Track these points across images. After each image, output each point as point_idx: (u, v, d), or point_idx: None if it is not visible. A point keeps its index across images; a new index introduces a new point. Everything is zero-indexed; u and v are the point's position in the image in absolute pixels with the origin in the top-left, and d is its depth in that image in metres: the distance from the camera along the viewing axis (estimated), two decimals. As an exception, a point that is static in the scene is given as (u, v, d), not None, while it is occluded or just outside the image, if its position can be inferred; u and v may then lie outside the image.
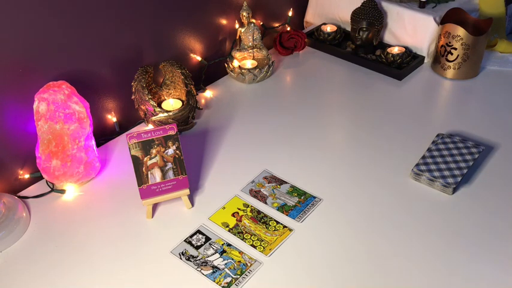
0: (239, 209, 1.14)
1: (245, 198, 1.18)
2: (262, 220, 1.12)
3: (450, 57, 1.54)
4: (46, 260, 1.04)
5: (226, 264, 1.02)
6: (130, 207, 1.16)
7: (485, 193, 1.16)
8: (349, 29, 1.73)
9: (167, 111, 1.33)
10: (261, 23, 1.73)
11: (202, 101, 1.52)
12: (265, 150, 1.31)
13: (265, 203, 1.16)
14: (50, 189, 1.20)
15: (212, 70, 1.61)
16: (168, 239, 1.08)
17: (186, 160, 1.20)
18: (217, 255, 1.04)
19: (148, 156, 1.09)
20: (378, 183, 1.20)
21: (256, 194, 1.18)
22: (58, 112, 1.12)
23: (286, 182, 1.21)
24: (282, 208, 1.14)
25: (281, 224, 1.11)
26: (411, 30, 1.64)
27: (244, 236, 1.08)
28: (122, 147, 1.33)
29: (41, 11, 1.12)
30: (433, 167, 1.20)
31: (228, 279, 0.99)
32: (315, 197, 1.17)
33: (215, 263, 1.02)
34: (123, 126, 1.41)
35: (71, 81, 1.18)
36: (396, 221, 1.10)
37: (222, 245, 1.06)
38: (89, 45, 1.26)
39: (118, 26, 1.30)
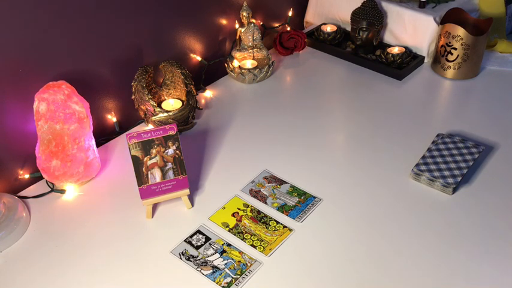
0: (239, 209, 1.14)
1: (245, 198, 1.18)
2: (262, 220, 1.12)
3: (450, 57, 1.54)
4: (46, 260, 1.04)
5: (226, 264, 1.02)
6: (130, 207, 1.16)
7: (485, 193, 1.16)
8: (349, 29, 1.73)
9: (167, 111, 1.33)
10: (261, 23, 1.73)
11: (202, 101, 1.52)
12: (265, 150, 1.31)
13: (265, 203, 1.16)
14: (50, 189, 1.20)
15: (212, 70, 1.61)
16: (168, 239, 1.08)
17: (186, 160, 1.20)
18: (217, 255, 1.04)
19: (148, 156, 1.09)
20: (378, 183, 1.20)
21: (256, 194, 1.18)
22: (58, 112, 1.12)
23: (286, 182, 1.21)
24: (282, 208, 1.14)
25: (281, 224, 1.11)
26: (411, 30, 1.64)
27: (244, 236, 1.08)
28: (122, 147, 1.33)
29: (41, 11, 1.12)
30: (433, 167, 1.20)
31: (228, 279, 0.99)
32: (315, 197, 1.17)
33: (215, 263, 1.02)
34: (123, 126, 1.41)
35: (71, 81, 1.18)
36: (396, 221, 1.10)
37: (222, 245, 1.06)
38: (89, 45, 1.26)
39: (118, 25, 1.30)
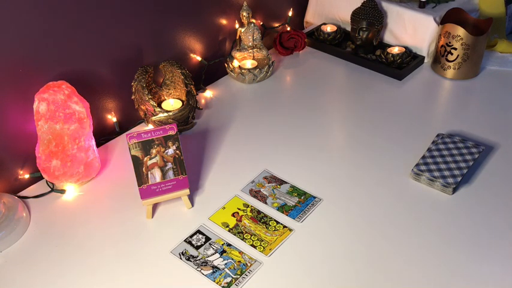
0: (239, 209, 1.14)
1: (245, 198, 1.18)
2: (262, 220, 1.12)
3: (450, 57, 1.54)
4: (46, 260, 1.04)
5: (226, 264, 1.02)
6: (130, 207, 1.16)
7: (485, 193, 1.16)
8: (349, 29, 1.73)
9: (167, 111, 1.33)
10: (261, 23, 1.73)
11: (202, 101, 1.52)
12: (265, 150, 1.31)
13: (265, 203, 1.16)
14: (50, 189, 1.20)
15: (212, 70, 1.61)
16: (168, 239, 1.08)
17: (186, 160, 1.20)
18: (217, 255, 1.04)
19: (148, 156, 1.09)
20: (377, 183, 1.20)
21: (256, 194, 1.18)
22: (58, 112, 1.12)
23: (286, 182, 1.21)
24: (282, 208, 1.14)
25: (281, 224, 1.11)
26: (411, 30, 1.64)
27: (244, 236, 1.08)
28: (122, 147, 1.33)
29: (41, 10, 1.12)
30: (433, 167, 1.20)
31: (228, 279, 0.99)
32: (315, 197, 1.17)
33: (215, 263, 1.02)
34: (123, 126, 1.41)
35: (71, 81, 1.18)
36: (396, 221, 1.10)
37: (222, 245, 1.06)
38: (89, 45, 1.26)
39: (118, 26, 1.30)
